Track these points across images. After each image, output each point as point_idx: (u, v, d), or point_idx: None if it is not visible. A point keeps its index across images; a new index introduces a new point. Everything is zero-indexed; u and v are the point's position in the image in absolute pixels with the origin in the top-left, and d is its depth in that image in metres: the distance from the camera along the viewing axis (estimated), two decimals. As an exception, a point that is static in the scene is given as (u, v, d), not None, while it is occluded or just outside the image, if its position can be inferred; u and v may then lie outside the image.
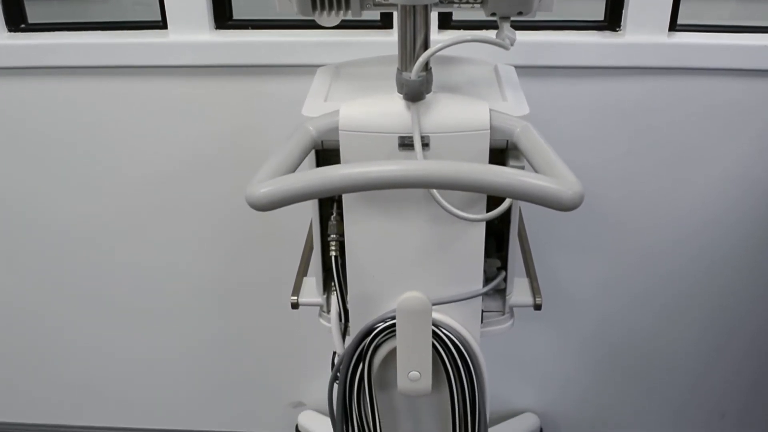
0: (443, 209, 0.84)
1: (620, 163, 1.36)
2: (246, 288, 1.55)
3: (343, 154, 0.86)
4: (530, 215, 1.27)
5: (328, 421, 1.61)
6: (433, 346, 0.92)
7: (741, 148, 1.34)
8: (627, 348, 1.59)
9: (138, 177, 1.43)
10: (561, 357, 1.60)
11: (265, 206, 0.74)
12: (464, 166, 0.72)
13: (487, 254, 0.97)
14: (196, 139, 1.38)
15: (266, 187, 0.74)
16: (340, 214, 0.96)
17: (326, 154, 0.91)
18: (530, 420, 1.62)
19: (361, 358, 0.94)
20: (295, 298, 1.06)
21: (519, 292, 1.05)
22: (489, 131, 0.85)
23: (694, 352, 1.58)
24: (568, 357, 1.60)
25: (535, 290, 1.06)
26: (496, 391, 1.59)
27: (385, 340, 0.93)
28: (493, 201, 0.90)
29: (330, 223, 0.98)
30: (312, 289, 1.07)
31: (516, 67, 1.05)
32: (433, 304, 0.90)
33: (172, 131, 1.37)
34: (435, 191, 0.84)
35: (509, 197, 0.74)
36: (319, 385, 1.66)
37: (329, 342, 1.13)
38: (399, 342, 0.90)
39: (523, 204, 1.14)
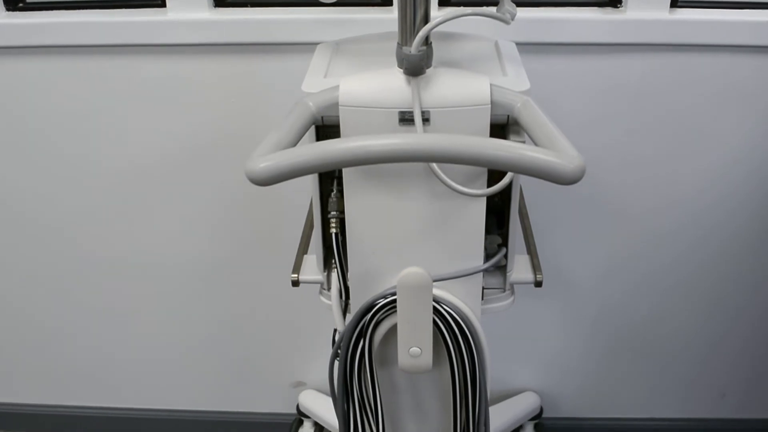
0: (444, 184, 0.84)
1: (621, 142, 1.35)
2: (246, 269, 1.55)
3: (343, 129, 0.86)
4: (531, 199, 1.26)
5: (328, 399, 1.63)
6: (434, 322, 0.92)
7: (746, 127, 1.33)
8: (628, 329, 1.59)
9: (137, 155, 1.42)
10: (562, 338, 1.61)
11: (266, 181, 0.74)
12: (465, 139, 0.72)
13: (488, 231, 0.96)
14: (195, 118, 1.37)
15: (266, 162, 0.73)
16: (341, 191, 0.96)
17: (326, 131, 0.90)
18: (530, 399, 1.63)
19: (361, 334, 0.94)
20: (296, 275, 1.06)
21: (520, 269, 1.05)
22: (490, 106, 0.84)
23: (695, 332, 1.58)
24: (569, 338, 1.60)
25: (535, 267, 1.06)
26: (496, 370, 1.59)
27: (385, 317, 0.93)
28: (493, 178, 0.89)
29: (330, 200, 0.98)
30: (312, 266, 1.07)
31: (516, 44, 1.05)
32: (434, 281, 0.90)
33: (171, 110, 1.37)
34: (435, 166, 0.83)
35: (510, 171, 0.73)
36: (319, 364, 1.66)
37: (329, 322, 1.13)
38: (400, 318, 0.90)
39: (524, 185, 1.14)
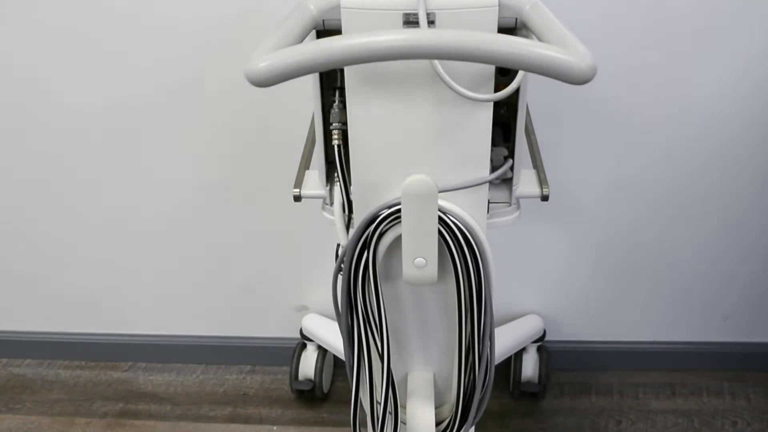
0: (450, 88, 0.81)
1: (631, 55, 1.32)
2: (247, 193, 1.54)
3: (345, 33, 0.83)
4: (537, 117, 1.24)
5: (331, 322, 1.63)
6: (439, 233, 0.90)
7: (759, 39, 1.30)
8: (631, 252, 1.58)
9: (132, 74, 1.40)
10: (565, 259, 1.60)
11: (266, 81, 0.71)
12: (473, 35, 0.69)
13: (494, 144, 0.94)
14: (190, 36, 1.34)
15: (266, 61, 0.70)
16: (343, 102, 0.94)
17: (327, 36, 0.87)
18: (534, 321, 1.63)
19: (365, 246, 0.93)
20: (298, 190, 1.04)
21: (526, 183, 1.04)
22: (497, 7, 0.81)
23: (699, 253, 1.58)
24: (572, 259, 1.60)
25: (542, 181, 1.04)
26: (500, 293, 1.59)
27: (389, 228, 0.91)
28: (499, 88, 0.87)
29: (332, 111, 0.96)
30: (315, 181, 1.05)
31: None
32: (439, 192, 0.88)
33: (165, 27, 1.34)
34: (441, 70, 0.81)
35: (519, 68, 0.71)
36: (321, 288, 1.66)
37: (330, 245, 1.12)
38: (404, 227, 0.88)
39: (530, 101, 1.12)
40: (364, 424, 1.11)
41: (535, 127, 1.20)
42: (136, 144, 1.48)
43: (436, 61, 0.81)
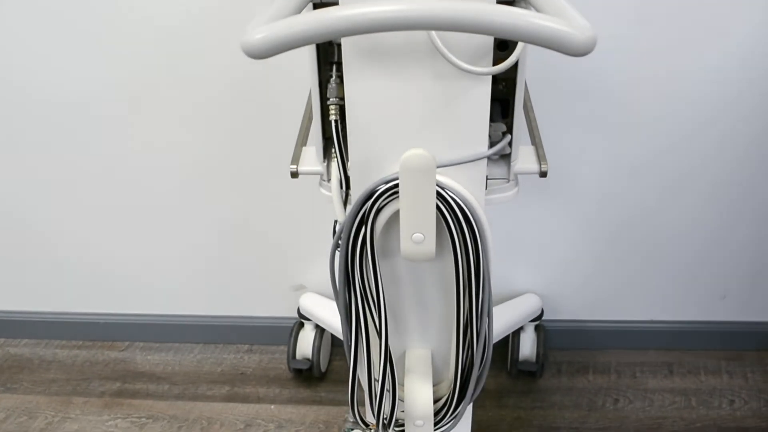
0: (448, 62, 0.81)
1: (630, 34, 1.31)
2: (244, 174, 1.53)
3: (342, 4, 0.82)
4: (536, 93, 1.23)
5: (328, 302, 1.63)
6: (437, 208, 0.90)
7: (755, 19, 1.29)
8: (629, 229, 1.58)
9: (129, 47, 1.39)
10: (563, 238, 1.60)
11: (263, 52, 0.70)
12: (471, 5, 0.68)
13: (493, 120, 0.94)
14: (187, 16, 1.33)
15: (262, 32, 0.70)
16: (340, 77, 0.93)
17: (324, 9, 0.86)
18: (532, 300, 1.63)
19: (363, 222, 0.92)
20: (295, 167, 1.03)
21: (524, 159, 1.03)
22: (496, -22, 0.80)
23: (696, 232, 1.57)
24: (570, 238, 1.59)
25: (540, 157, 1.03)
26: (497, 272, 1.59)
27: (387, 203, 0.91)
28: (497, 64, 0.86)
29: (329, 86, 0.95)
30: (312, 158, 1.04)
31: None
32: (438, 167, 0.87)
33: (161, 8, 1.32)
34: (440, 42, 0.80)
35: (518, 39, 0.70)
36: (319, 267, 1.66)
37: (328, 224, 1.11)
38: (402, 202, 0.88)
39: (529, 78, 1.11)
40: (361, 403, 1.11)
41: (533, 104, 1.20)
42: (132, 123, 1.47)
43: (434, 34, 0.80)
